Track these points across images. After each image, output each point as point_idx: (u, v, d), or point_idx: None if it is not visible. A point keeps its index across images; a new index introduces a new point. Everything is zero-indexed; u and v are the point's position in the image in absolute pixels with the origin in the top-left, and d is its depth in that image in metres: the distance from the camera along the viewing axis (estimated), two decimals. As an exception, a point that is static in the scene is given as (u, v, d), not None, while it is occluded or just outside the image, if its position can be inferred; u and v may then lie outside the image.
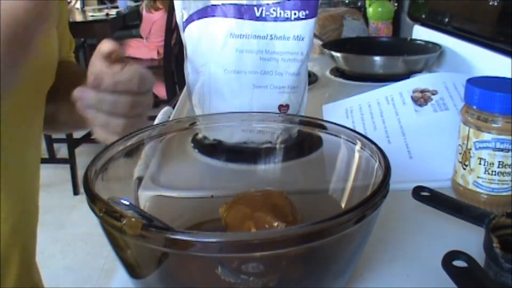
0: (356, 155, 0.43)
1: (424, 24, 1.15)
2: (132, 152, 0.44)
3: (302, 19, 0.58)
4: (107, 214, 0.31)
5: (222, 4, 0.58)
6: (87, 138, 2.67)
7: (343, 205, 0.43)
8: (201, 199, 0.49)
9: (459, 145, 0.50)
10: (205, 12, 0.59)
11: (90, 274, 1.81)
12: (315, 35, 0.69)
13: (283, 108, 0.61)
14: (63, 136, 2.53)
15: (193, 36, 0.61)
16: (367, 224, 0.33)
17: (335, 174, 0.46)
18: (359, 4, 1.47)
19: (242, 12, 0.58)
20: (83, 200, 0.37)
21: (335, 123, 0.46)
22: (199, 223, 0.45)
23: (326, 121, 0.47)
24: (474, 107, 0.47)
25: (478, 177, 0.48)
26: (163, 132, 0.47)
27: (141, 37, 2.95)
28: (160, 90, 3.17)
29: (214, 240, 0.29)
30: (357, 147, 0.43)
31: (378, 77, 0.95)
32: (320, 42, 1.16)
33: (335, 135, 0.45)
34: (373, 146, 0.40)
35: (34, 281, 0.65)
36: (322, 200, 0.47)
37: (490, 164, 0.47)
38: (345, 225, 0.30)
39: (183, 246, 0.29)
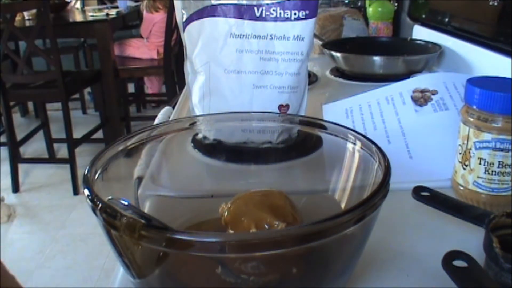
0: (356, 155, 0.43)
1: (424, 24, 1.15)
2: (132, 152, 0.44)
3: (302, 19, 0.58)
4: (107, 214, 0.31)
5: (222, 4, 0.58)
6: (87, 138, 2.68)
7: (343, 205, 0.43)
8: (201, 199, 0.49)
9: (459, 145, 0.50)
10: (205, 12, 0.59)
11: (90, 274, 1.81)
12: (315, 35, 0.69)
13: (283, 108, 0.61)
14: (63, 136, 2.53)
15: (193, 36, 0.61)
16: (367, 224, 0.33)
17: (335, 174, 0.46)
18: (359, 4, 1.47)
19: (242, 12, 0.58)
20: (83, 200, 0.37)
21: (335, 123, 0.46)
22: (199, 223, 0.45)
23: (326, 121, 0.47)
24: (474, 107, 0.47)
25: (478, 177, 0.48)
26: (163, 132, 0.47)
27: (141, 37, 2.95)
28: (160, 90, 3.18)
29: (214, 240, 0.29)
30: (357, 147, 0.43)
31: (378, 77, 0.95)
32: (320, 42, 1.16)
33: (335, 135, 0.45)
34: (373, 146, 0.40)
35: None
36: (322, 200, 0.47)
37: (490, 164, 0.47)
38: (345, 225, 0.30)
39: (183, 246, 0.29)
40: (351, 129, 0.44)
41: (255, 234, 0.34)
